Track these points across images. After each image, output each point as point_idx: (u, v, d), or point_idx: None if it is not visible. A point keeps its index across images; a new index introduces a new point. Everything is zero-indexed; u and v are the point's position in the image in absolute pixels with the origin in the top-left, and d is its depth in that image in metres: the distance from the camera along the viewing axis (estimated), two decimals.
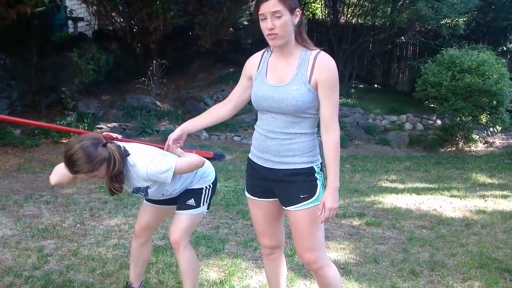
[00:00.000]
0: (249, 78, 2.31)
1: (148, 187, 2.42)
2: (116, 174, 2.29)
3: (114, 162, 2.23)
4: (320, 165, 2.24)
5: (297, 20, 2.09)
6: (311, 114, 2.17)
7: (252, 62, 2.30)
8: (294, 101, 2.10)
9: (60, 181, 2.42)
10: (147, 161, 2.32)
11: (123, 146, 2.35)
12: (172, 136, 2.40)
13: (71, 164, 2.17)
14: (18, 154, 7.07)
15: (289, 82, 2.13)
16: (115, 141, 2.40)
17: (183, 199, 2.60)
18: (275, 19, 2.04)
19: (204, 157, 2.78)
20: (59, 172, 2.39)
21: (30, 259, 3.46)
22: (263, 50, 2.29)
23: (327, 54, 2.14)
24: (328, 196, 2.13)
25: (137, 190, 2.46)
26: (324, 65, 2.11)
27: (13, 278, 3.13)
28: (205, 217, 4.56)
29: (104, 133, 2.37)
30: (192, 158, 2.44)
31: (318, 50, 2.15)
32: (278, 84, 2.15)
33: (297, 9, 2.07)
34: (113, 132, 2.79)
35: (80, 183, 5.78)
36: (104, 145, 2.23)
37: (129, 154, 2.33)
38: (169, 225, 2.88)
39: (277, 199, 2.33)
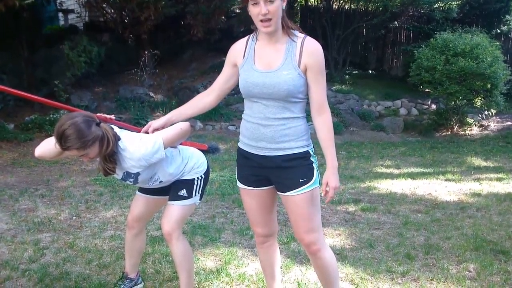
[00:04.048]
0: (234, 66, 2.28)
1: (138, 173, 2.40)
2: (110, 154, 2.28)
3: (107, 142, 2.22)
4: (313, 149, 2.26)
5: (284, 4, 2.10)
6: (301, 98, 2.18)
7: (237, 49, 2.26)
8: (286, 85, 2.10)
9: (44, 154, 2.38)
10: (137, 140, 2.31)
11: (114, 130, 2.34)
12: (154, 124, 2.35)
13: (63, 139, 2.14)
14: (12, 149, 7.03)
15: (278, 67, 2.12)
16: (109, 123, 2.38)
17: (175, 190, 2.58)
18: (269, 3, 2.00)
19: (199, 149, 2.77)
20: (46, 146, 2.36)
21: (27, 253, 3.46)
22: (247, 37, 2.26)
23: (313, 39, 2.16)
24: (330, 175, 2.19)
25: (127, 176, 2.43)
26: (312, 50, 2.13)
27: (9, 271, 3.14)
28: (201, 206, 4.56)
29: (98, 114, 2.35)
30: (174, 125, 2.39)
31: (304, 35, 2.16)
32: (267, 70, 2.14)
33: None
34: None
35: (75, 176, 5.77)
36: (98, 124, 2.22)
37: (120, 139, 2.31)
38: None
39: (270, 187, 2.33)
